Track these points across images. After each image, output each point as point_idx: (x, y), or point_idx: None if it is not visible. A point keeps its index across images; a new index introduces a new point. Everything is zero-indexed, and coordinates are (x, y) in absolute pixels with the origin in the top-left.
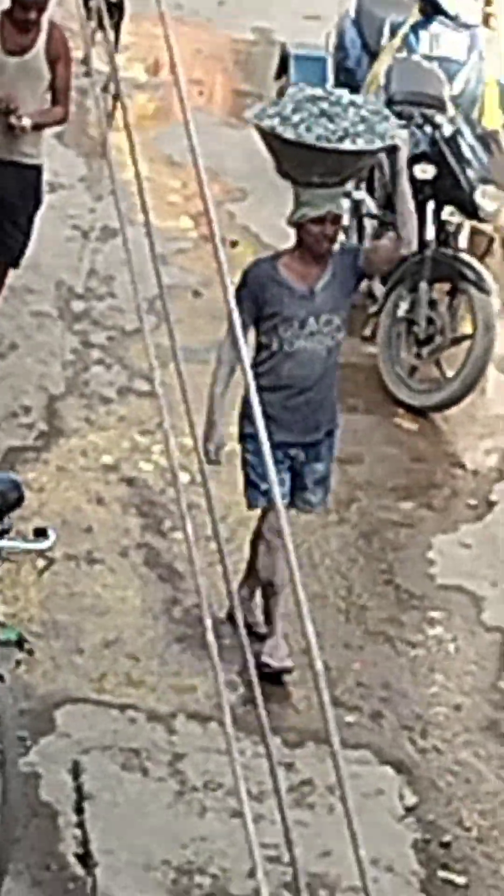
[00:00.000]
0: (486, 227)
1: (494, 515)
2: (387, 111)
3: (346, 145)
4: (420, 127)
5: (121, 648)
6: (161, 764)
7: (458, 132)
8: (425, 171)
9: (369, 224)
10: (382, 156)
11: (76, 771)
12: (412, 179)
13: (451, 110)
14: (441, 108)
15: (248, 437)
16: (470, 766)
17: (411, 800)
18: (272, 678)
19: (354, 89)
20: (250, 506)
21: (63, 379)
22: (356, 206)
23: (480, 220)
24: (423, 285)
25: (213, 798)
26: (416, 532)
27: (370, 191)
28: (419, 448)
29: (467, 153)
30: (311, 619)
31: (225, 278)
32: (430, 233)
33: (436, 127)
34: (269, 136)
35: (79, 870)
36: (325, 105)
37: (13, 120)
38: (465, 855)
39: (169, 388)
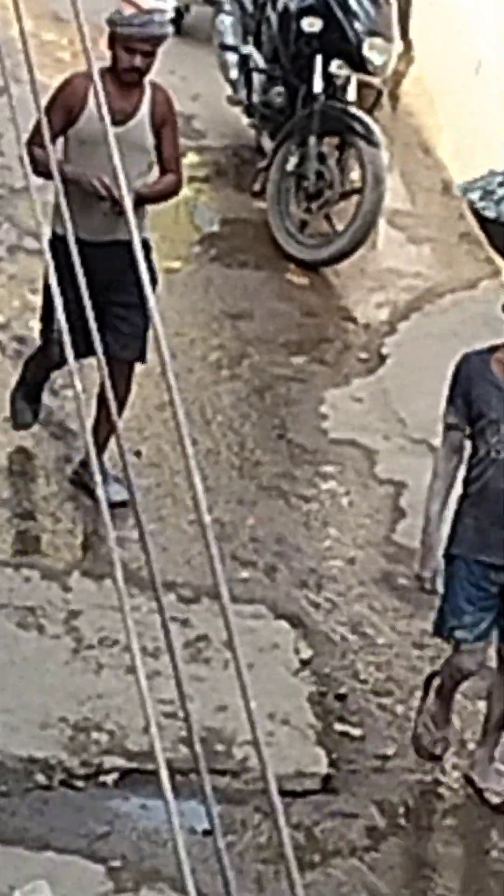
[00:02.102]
0: (374, 80)
1: (386, 369)
2: None
3: None
4: None
5: (14, 506)
6: (57, 622)
7: None
8: (312, 25)
9: (257, 78)
10: (271, 11)
11: None
12: (299, 33)
13: None
14: None
15: (450, 558)
16: (365, 619)
17: (306, 653)
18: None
19: None
20: (436, 632)
21: None
22: (244, 60)
23: (368, 73)
24: (312, 139)
25: (108, 655)
26: (308, 387)
27: (258, 45)
28: (310, 303)
29: (354, 6)
30: (199, 473)
31: (111, 136)
32: (318, 86)
33: None
34: (473, 211)
35: None
36: None
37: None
38: (360, 707)
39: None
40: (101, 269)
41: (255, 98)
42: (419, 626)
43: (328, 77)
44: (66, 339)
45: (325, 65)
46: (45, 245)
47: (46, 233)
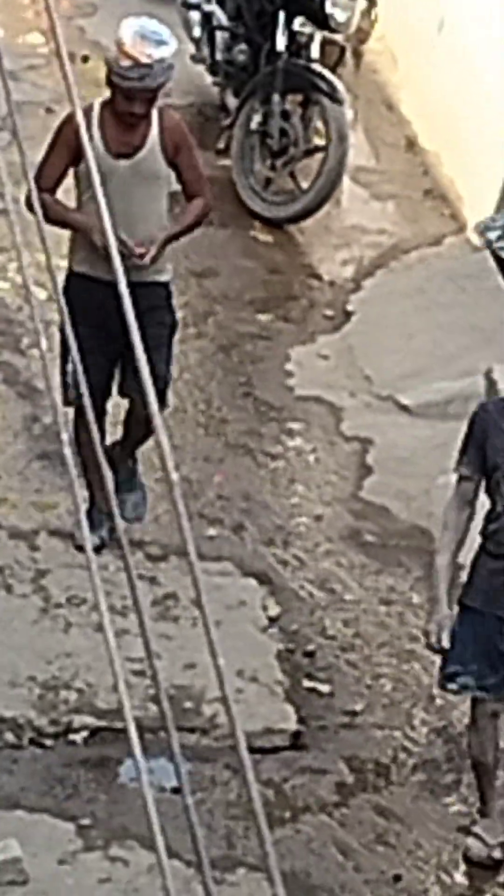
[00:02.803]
0: (338, 38)
1: (351, 326)
2: None
3: None
4: None
5: None
6: (24, 581)
7: None
8: None
9: (220, 36)
10: None
11: None
12: None
13: None
14: None
15: (463, 609)
16: (332, 576)
17: (274, 610)
18: (483, 866)
19: None
20: (441, 685)
21: None
22: (207, 18)
23: (331, 30)
24: (276, 97)
25: (77, 613)
26: (273, 344)
27: (220, 3)
28: (275, 260)
29: None
30: (165, 431)
31: (74, 95)
32: (282, 44)
33: None
34: (492, 252)
35: None
36: None
37: (139, 261)
38: (328, 664)
39: (22, 205)
40: (120, 311)
41: (219, 56)
42: (386, 582)
43: (291, 34)
44: (81, 378)
45: (289, 22)
46: (60, 285)
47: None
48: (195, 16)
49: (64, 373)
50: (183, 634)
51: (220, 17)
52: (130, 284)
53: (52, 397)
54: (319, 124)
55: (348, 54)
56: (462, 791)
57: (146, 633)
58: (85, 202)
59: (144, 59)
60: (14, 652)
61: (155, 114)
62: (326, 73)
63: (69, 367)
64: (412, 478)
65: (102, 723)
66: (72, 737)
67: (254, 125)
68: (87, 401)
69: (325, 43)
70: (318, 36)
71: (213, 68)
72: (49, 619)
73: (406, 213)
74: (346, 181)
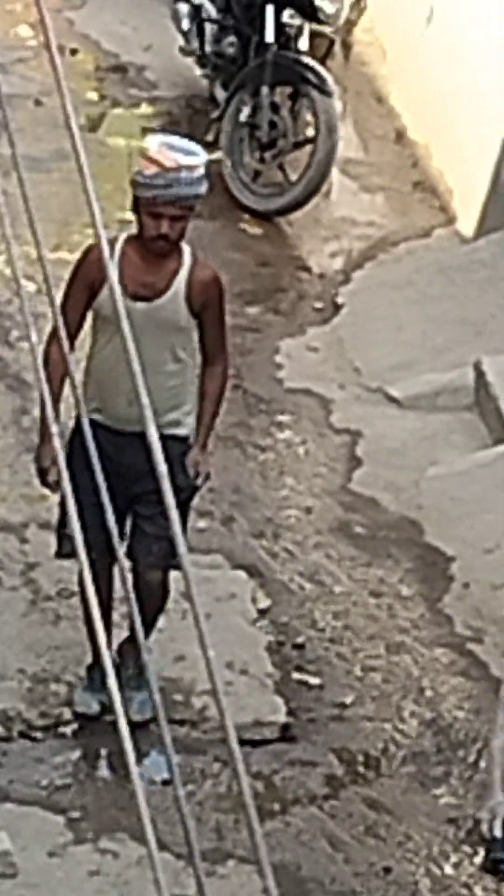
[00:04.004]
0: (327, 30)
1: (341, 318)
2: None
3: None
4: None
5: None
6: (14, 574)
7: None
8: None
9: (209, 28)
10: None
11: None
12: None
13: None
14: None
15: None
16: (322, 568)
17: (264, 603)
18: None
19: None
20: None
21: None
22: (196, 10)
23: (320, 22)
24: (265, 89)
25: (66, 606)
26: (263, 336)
27: None
28: (264, 252)
29: None
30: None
31: (63, 87)
32: (271, 36)
33: None
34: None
35: None
36: None
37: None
38: (318, 656)
39: (12, 197)
40: (127, 462)
41: (208, 48)
42: (376, 574)
43: (280, 26)
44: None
45: (278, 14)
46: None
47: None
48: (184, 8)
49: (62, 523)
50: (173, 627)
51: (210, 9)
52: (139, 434)
53: (42, 389)
54: (309, 116)
55: (337, 46)
56: (452, 783)
57: (136, 626)
58: (98, 348)
59: (170, 164)
60: (3, 645)
61: (187, 258)
62: (315, 65)
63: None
64: (402, 470)
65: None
66: (62, 729)
67: (243, 117)
68: (82, 556)
69: (313, 35)
70: (307, 28)
71: (202, 60)
72: (38, 611)
73: (395, 205)
74: (335, 173)
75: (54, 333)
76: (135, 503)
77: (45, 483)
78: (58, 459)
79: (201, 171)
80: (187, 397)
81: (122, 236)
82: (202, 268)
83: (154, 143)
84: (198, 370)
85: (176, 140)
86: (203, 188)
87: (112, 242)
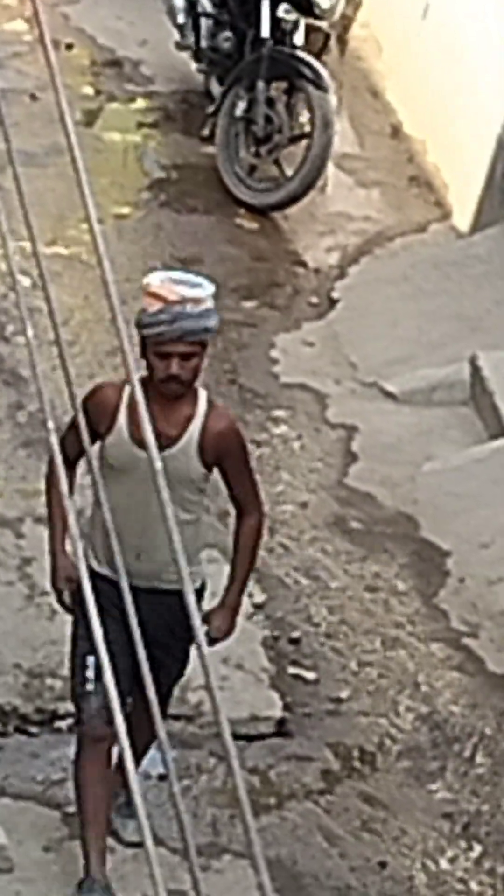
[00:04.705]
0: (322, 24)
1: (336, 313)
2: None
3: None
4: None
5: None
6: (10, 568)
7: None
8: None
9: (205, 23)
10: None
11: None
12: None
13: None
14: None
15: None
16: (318, 563)
17: (260, 597)
18: None
19: None
20: None
21: None
22: (192, 5)
23: (316, 17)
24: (261, 84)
25: None
26: (258, 331)
27: None
28: (260, 247)
29: None
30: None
31: (58, 82)
32: (266, 31)
33: None
34: None
35: None
36: None
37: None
38: (314, 651)
39: (7, 192)
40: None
41: (203, 43)
42: (371, 568)
43: (276, 21)
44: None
45: (273, 9)
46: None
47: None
48: (179, 3)
49: (83, 666)
50: None
51: (205, 3)
52: (148, 590)
53: (38, 385)
54: (304, 111)
55: (333, 41)
56: (447, 778)
57: (132, 620)
58: (104, 497)
59: (173, 297)
60: None
61: (202, 405)
62: (311, 60)
63: (87, 677)
64: (397, 465)
65: None
66: (57, 724)
67: (238, 112)
68: (98, 721)
69: (309, 30)
70: (303, 23)
71: (197, 55)
72: (34, 606)
73: (391, 200)
74: (330, 168)
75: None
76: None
77: (62, 603)
78: (72, 574)
79: (208, 303)
80: (198, 551)
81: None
82: (218, 416)
83: (156, 279)
84: (207, 519)
85: (179, 273)
86: (212, 321)
87: (120, 386)
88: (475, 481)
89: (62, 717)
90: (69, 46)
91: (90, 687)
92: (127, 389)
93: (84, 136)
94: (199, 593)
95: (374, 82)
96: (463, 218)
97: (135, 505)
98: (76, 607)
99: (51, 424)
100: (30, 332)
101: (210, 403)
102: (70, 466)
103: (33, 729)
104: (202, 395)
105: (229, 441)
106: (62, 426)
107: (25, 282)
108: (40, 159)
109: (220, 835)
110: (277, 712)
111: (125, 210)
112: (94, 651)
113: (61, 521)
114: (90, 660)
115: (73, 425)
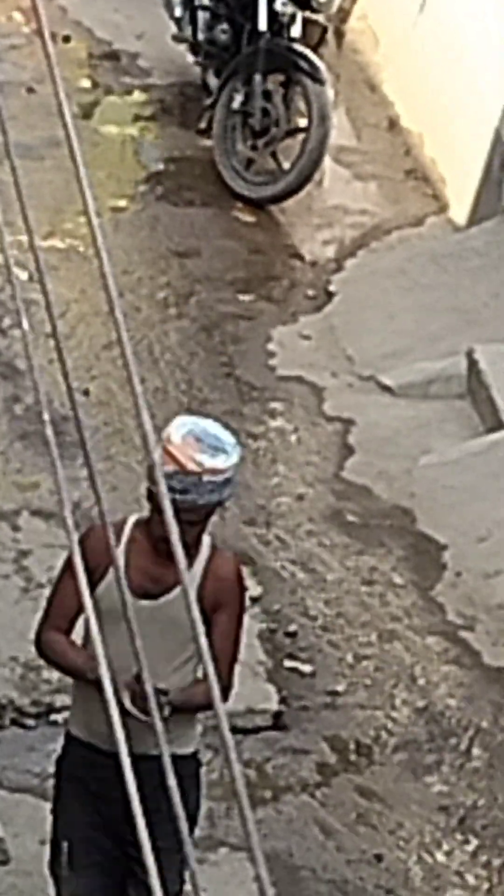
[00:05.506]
0: (319, 17)
1: (333, 306)
2: None
3: None
4: None
5: None
6: (6, 561)
7: None
8: None
9: (202, 16)
10: None
11: None
12: None
13: None
14: None
15: None
16: (314, 556)
17: (256, 590)
18: None
19: None
20: None
21: None
22: None
23: (313, 10)
24: (258, 77)
25: None
26: (255, 324)
27: None
28: (257, 240)
29: None
30: (147, 412)
31: (56, 75)
32: (263, 24)
33: None
34: None
35: None
36: None
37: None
38: (310, 644)
39: (4, 185)
40: (116, 794)
41: (201, 36)
42: (368, 562)
43: (273, 14)
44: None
45: (270, 2)
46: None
47: None
48: None
49: (58, 865)
50: None
51: None
52: (139, 758)
53: (34, 378)
54: (301, 104)
55: (330, 34)
56: (443, 771)
57: (129, 614)
58: (90, 648)
59: (192, 466)
60: None
61: (205, 548)
62: (308, 53)
63: (62, 861)
64: (394, 458)
65: None
66: (54, 717)
67: (235, 105)
68: None
69: (306, 23)
70: (300, 16)
71: (194, 48)
72: (30, 599)
73: (388, 193)
74: (327, 161)
75: (46, 618)
76: (130, 846)
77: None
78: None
79: (229, 474)
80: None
81: (131, 519)
82: (222, 562)
83: (177, 434)
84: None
85: (204, 429)
86: (227, 493)
87: (119, 526)
88: (472, 474)
89: (58, 710)
90: (66, 39)
91: (65, 873)
92: (128, 527)
93: (81, 128)
94: (195, 756)
95: (371, 75)
96: (460, 211)
97: (128, 657)
98: (54, 789)
99: (47, 417)
100: (26, 325)
101: (214, 548)
102: (65, 632)
103: (29, 722)
104: (206, 539)
105: (230, 591)
106: (58, 419)
107: (22, 275)
108: (37, 152)
109: (217, 827)
110: (274, 705)
111: (122, 203)
112: (67, 837)
113: (64, 649)
114: (64, 846)
115: (63, 582)
